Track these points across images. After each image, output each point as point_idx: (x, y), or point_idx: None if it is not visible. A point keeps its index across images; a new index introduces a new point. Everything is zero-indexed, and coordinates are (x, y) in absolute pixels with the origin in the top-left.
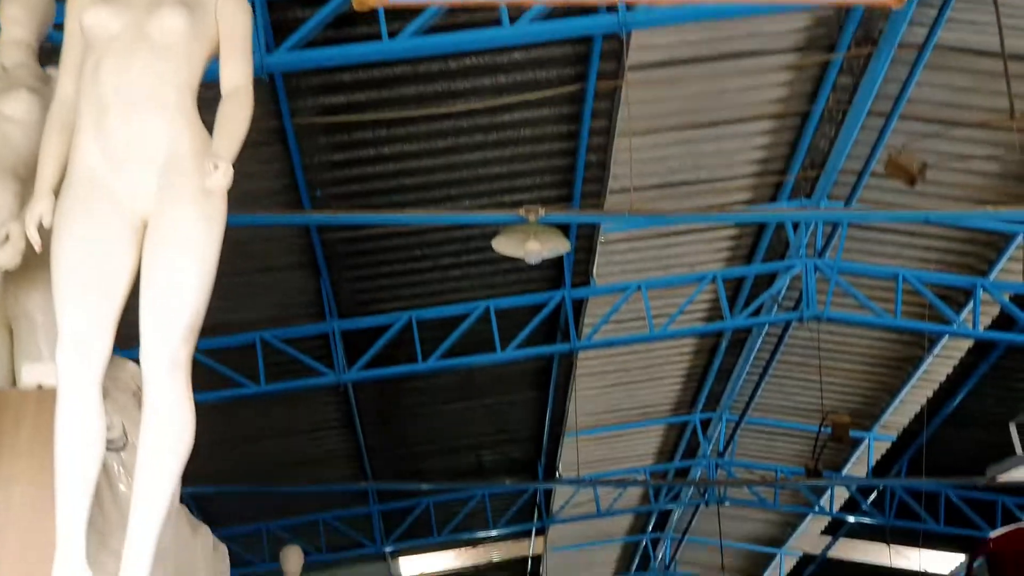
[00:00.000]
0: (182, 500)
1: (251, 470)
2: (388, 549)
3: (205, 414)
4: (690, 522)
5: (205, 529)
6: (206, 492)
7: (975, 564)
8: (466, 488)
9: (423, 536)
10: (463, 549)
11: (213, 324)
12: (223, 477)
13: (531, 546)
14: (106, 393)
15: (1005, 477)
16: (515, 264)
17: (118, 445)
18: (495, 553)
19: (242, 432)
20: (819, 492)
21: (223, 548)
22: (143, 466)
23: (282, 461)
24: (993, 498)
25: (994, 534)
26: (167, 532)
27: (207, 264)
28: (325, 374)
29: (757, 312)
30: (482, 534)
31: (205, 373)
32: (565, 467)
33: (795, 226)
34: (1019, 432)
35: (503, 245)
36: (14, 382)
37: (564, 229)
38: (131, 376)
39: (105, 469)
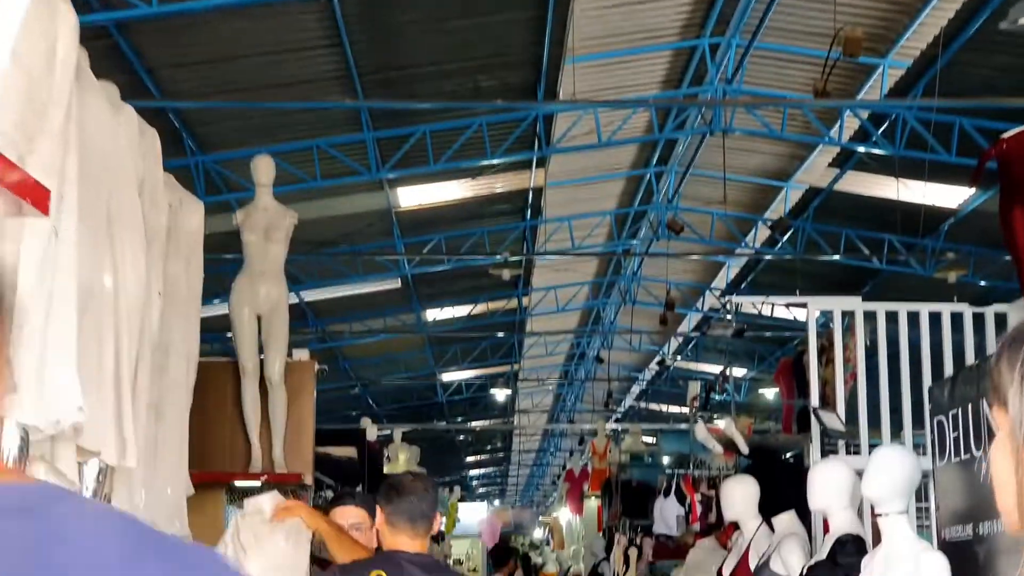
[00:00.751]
0: (159, 123)
1: (237, 90)
2: (386, 176)
3: (183, 27)
4: (695, 155)
5: (129, 111)
6: (191, 108)
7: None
8: (464, 109)
9: (420, 165)
10: (463, 181)
11: None
12: (208, 96)
13: (531, 178)
14: None
15: None
16: None
17: None
18: (496, 185)
19: (224, 50)
20: (828, 122)
21: (152, 133)
22: None
23: (269, 82)
24: (1006, 126)
25: (1007, 134)
26: (59, 100)
27: None
28: None
29: None
30: (482, 163)
31: None
32: (565, 96)
33: None
34: None
35: None
36: None
37: None
38: None
39: None
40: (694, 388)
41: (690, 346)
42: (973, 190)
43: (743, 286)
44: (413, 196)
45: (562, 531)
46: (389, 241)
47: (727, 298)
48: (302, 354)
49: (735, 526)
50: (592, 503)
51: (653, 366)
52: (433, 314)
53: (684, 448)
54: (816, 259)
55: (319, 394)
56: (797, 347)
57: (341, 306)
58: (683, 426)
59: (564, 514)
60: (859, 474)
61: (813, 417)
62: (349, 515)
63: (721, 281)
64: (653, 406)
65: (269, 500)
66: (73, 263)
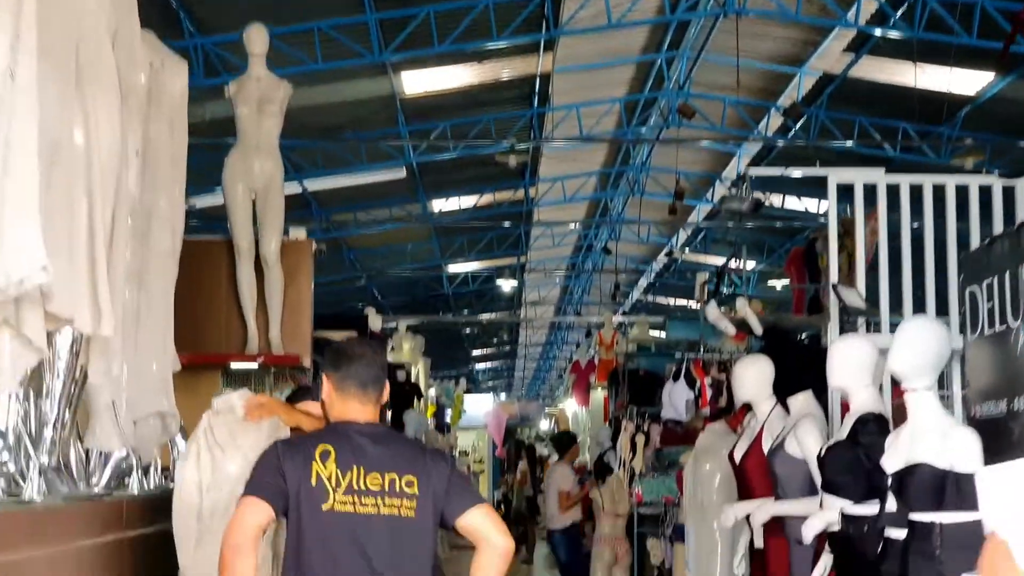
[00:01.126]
0: (155, 3)
1: None
2: (390, 59)
3: None
4: (707, 39)
5: None
6: None
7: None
8: None
9: (424, 47)
10: (468, 65)
11: None
12: None
13: (539, 63)
14: None
15: None
16: None
17: None
18: (502, 71)
19: None
20: (845, 4)
21: None
22: None
23: None
24: None
25: None
26: None
27: None
28: None
29: None
30: (489, 46)
31: None
32: None
33: None
34: None
35: None
36: None
37: None
38: None
39: None
40: (703, 276)
41: (699, 238)
42: (993, 76)
43: (753, 177)
44: (418, 82)
45: (568, 422)
46: (394, 129)
47: (745, 170)
48: (299, 233)
49: (746, 409)
50: (598, 394)
51: (661, 258)
52: (439, 204)
53: (692, 334)
54: (829, 147)
55: (323, 286)
56: (809, 236)
57: (346, 196)
58: (693, 308)
59: (570, 406)
60: (881, 353)
61: (832, 294)
62: (311, 410)
63: (732, 171)
64: (660, 299)
65: (239, 397)
66: (33, 111)
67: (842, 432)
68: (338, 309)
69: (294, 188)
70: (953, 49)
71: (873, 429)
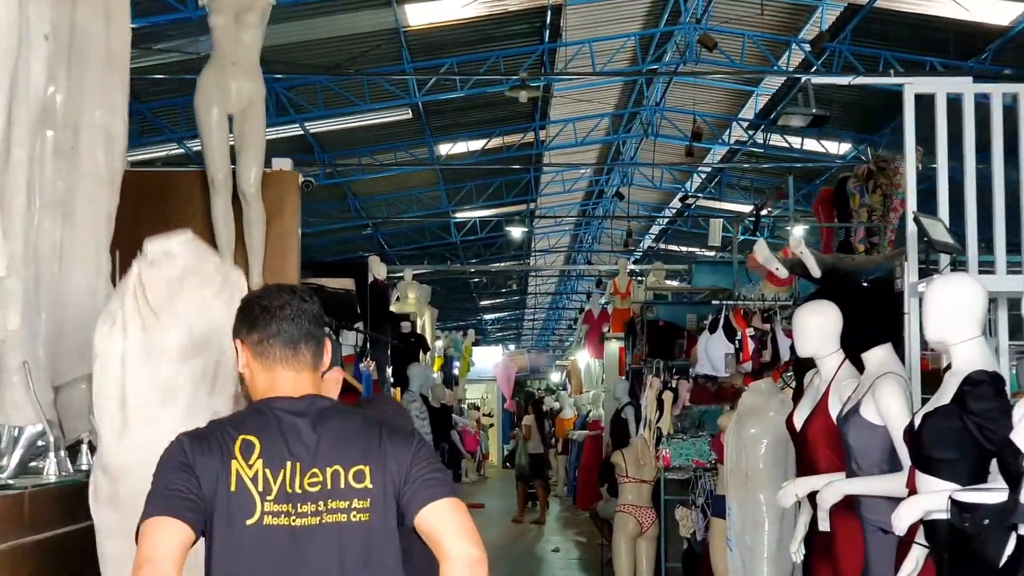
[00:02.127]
0: None
1: None
2: None
3: None
4: None
5: None
6: None
7: None
8: None
9: None
10: None
11: None
12: None
13: None
14: None
15: None
16: None
17: None
18: (511, 2)
19: None
20: None
21: None
22: None
23: None
24: None
25: None
26: None
27: None
28: None
29: None
30: None
31: None
32: None
33: None
34: None
35: None
36: None
37: None
38: None
39: None
40: (716, 226)
41: (714, 183)
42: None
43: (772, 116)
44: (422, 15)
45: (580, 374)
46: (398, 65)
47: (805, 79)
48: (283, 163)
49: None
50: (613, 345)
51: (675, 203)
52: (445, 148)
53: (721, 280)
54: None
55: (328, 233)
56: (838, 175)
57: (349, 138)
58: (709, 255)
59: (582, 357)
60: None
61: (912, 224)
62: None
63: (749, 111)
64: (672, 247)
65: (181, 244)
66: None
67: (943, 395)
68: (344, 258)
69: (295, 130)
70: None
71: (988, 392)
